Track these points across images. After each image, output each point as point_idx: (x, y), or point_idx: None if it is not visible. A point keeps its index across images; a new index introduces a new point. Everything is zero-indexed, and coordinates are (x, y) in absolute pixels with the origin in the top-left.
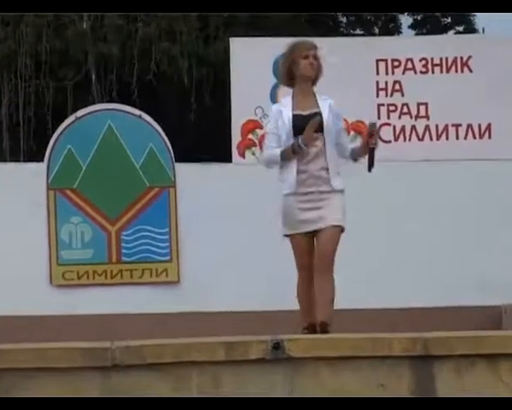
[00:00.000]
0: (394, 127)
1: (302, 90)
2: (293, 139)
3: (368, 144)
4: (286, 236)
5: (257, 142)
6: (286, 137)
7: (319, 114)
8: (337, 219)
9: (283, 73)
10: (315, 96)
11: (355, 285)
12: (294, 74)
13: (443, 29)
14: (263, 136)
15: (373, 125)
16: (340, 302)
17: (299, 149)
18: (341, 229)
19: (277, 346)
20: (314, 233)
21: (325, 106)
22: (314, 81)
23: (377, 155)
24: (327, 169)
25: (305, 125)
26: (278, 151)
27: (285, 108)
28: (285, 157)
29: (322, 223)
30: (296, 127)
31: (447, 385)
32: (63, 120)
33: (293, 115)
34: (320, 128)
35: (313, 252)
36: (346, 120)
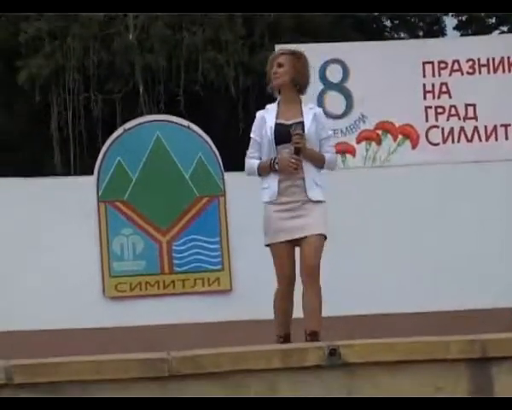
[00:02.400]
0: (443, 129)
1: (285, 99)
2: (274, 149)
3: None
4: (267, 245)
5: None
6: (267, 147)
7: (301, 122)
8: (319, 228)
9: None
10: (300, 105)
11: (407, 287)
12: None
13: (488, 29)
14: None
15: (295, 127)
16: (391, 306)
17: (275, 169)
18: (324, 237)
19: (333, 352)
20: (295, 242)
21: (309, 115)
22: (299, 89)
23: (420, 157)
24: (303, 179)
25: (287, 134)
26: (256, 164)
27: (269, 116)
28: (262, 171)
29: (304, 232)
30: (278, 136)
31: (506, 387)
32: (112, 133)
33: (276, 124)
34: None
35: (294, 262)
36: (393, 124)
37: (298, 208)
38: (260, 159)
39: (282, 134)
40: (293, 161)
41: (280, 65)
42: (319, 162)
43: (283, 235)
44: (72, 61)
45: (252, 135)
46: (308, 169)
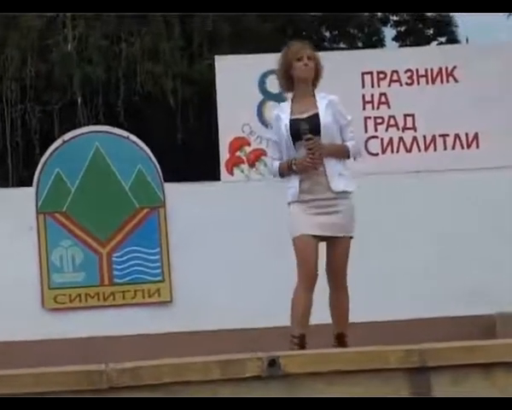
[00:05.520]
0: (382, 140)
1: (301, 93)
2: (292, 147)
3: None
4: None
5: (245, 159)
6: (285, 146)
7: (317, 115)
8: (350, 230)
9: (281, 79)
10: (314, 97)
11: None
12: (292, 78)
13: (426, 40)
14: (251, 153)
15: (303, 130)
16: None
17: (293, 170)
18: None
19: (273, 363)
20: (321, 239)
21: (322, 105)
22: (314, 82)
23: (359, 167)
24: (325, 175)
25: (304, 128)
26: (276, 165)
27: (283, 114)
28: (283, 172)
29: (335, 232)
30: (294, 133)
31: (445, 396)
32: (50, 144)
33: (291, 120)
34: (317, 131)
35: (318, 258)
36: None
37: (323, 206)
38: (281, 159)
39: (299, 130)
40: (308, 160)
41: (309, 58)
42: (343, 155)
43: (311, 228)
44: (10, 72)
45: (270, 136)
46: (330, 164)
